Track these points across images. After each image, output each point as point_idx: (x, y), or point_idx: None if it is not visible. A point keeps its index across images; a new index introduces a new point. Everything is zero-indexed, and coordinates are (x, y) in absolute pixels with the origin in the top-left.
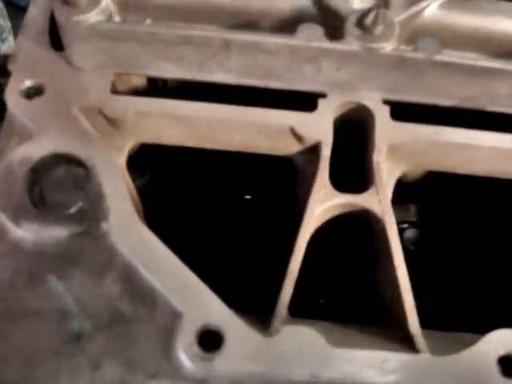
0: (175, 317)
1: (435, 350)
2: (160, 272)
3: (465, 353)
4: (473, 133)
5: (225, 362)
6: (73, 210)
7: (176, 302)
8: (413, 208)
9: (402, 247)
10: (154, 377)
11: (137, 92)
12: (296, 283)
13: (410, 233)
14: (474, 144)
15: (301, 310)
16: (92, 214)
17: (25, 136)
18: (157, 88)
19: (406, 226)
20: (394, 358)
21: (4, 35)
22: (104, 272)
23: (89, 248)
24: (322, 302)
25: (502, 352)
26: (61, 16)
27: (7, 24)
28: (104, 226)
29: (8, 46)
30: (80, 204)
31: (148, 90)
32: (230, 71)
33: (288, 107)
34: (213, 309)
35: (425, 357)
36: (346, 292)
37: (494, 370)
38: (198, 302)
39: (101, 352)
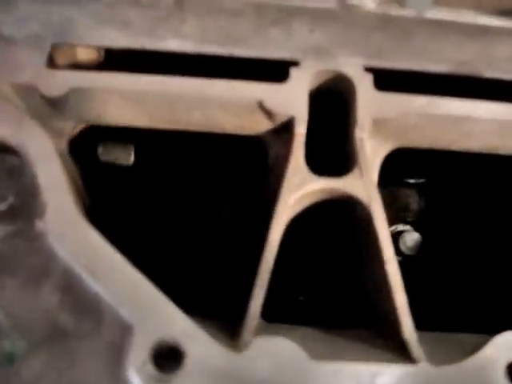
0: (125, 331)
1: (434, 358)
2: (106, 278)
3: (469, 361)
4: (470, 103)
5: (185, 383)
6: (2, 206)
7: (125, 314)
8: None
9: (399, 252)
10: None
11: (81, 67)
12: (270, 279)
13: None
14: (471, 116)
15: (276, 309)
16: (25, 210)
17: None
18: (102, 62)
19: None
20: (388, 371)
21: None
22: (40, 280)
23: (22, 251)
24: (301, 298)
25: (508, 359)
26: None
27: None
28: (39, 224)
29: None
30: (11, 199)
31: (94, 65)
32: (185, 37)
33: (255, 79)
34: (170, 320)
35: (423, 367)
36: (330, 289)
37: (503, 379)
38: (152, 312)
39: (38, 375)
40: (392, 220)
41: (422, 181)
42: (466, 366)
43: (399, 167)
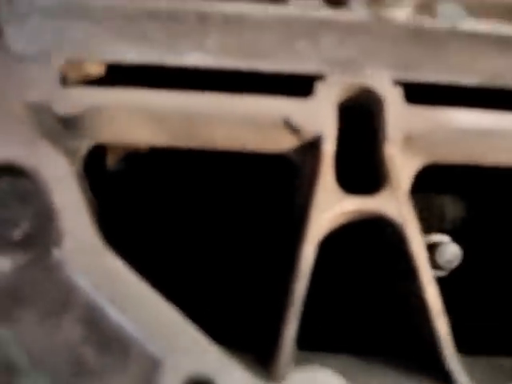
0: (153, 366)
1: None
2: (132, 310)
3: None
4: (504, 116)
5: None
6: (16, 234)
7: (154, 348)
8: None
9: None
10: None
11: (93, 83)
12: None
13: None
14: (502, 130)
15: (307, 336)
16: (41, 238)
17: None
18: (118, 77)
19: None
20: None
21: None
22: (60, 313)
23: (39, 282)
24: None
25: None
26: None
27: None
28: (57, 253)
29: None
30: (25, 226)
31: (107, 80)
32: (207, 52)
33: (280, 93)
34: (202, 353)
35: None
36: (363, 316)
37: None
38: (183, 345)
39: None
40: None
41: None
42: None
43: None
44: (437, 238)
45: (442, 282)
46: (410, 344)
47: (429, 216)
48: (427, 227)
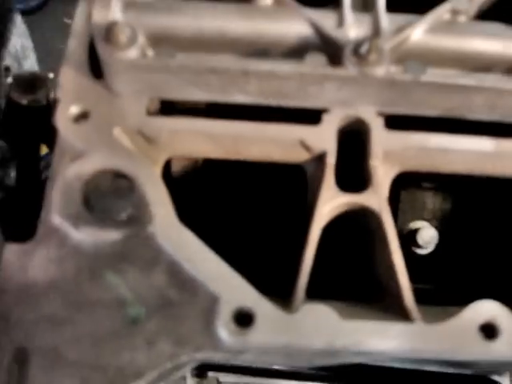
0: (214, 301)
1: (427, 320)
2: (199, 264)
3: (451, 321)
4: (455, 138)
5: (256, 335)
6: (123, 216)
7: (214, 289)
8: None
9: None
10: (199, 350)
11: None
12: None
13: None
14: (456, 148)
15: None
16: (139, 219)
17: (75, 155)
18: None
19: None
20: (394, 327)
21: (27, 53)
22: (152, 266)
23: (139, 247)
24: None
25: (482, 321)
26: (104, 53)
27: (29, 43)
28: (150, 228)
29: (30, 63)
30: (129, 211)
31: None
32: (248, 93)
33: (298, 121)
34: (244, 293)
35: (419, 325)
36: (352, 278)
37: (476, 335)
38: (232, 287)
39: (154, 332)
40: (412, 219)
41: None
42: (449, 324)
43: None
44: (418, 224)
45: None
46: (383, 296)
47: (413, 208)
48: (411, 217)
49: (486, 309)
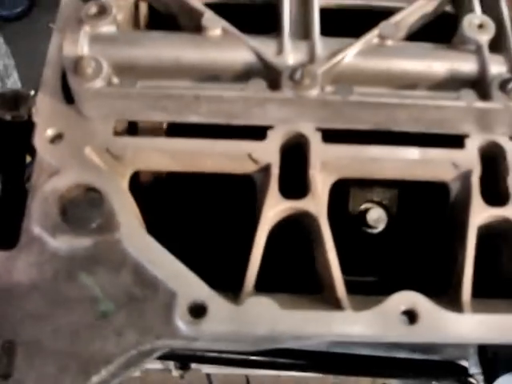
0: (172, 296)
1: (356, 308)
2: (159, 265)
3: (376, 308)
4: (384, 148)
5: (208, 325)
6: (94, 225)
7: (172, 286)
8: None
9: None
10: (159, 338)
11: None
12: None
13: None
14: (385, 157)
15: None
16: (108, 227)
17: (52, 172)
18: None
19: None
20: (326, 315)
21: (9, 71)
22: (119, 268)
23: (108, 252)
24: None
25: (403, 308)
26: (74, 84)
27: (11, 62)
28: (117, 235)
29: (13, 80)
30: (98, 220)
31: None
32: (201, 115)
33: (246, 137)
34: (198, 288)
35: (348, 313)
36: (297, 272)
37: (398, 320)
38: (187, 284)
39: (122, 324)
40: (362, 202)
41: None
42: (374, 311)
43: None
44: (367, 205)
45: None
46: (323, 288)
47: (362, 191)
48: (361, 200)
49: (407, 297)
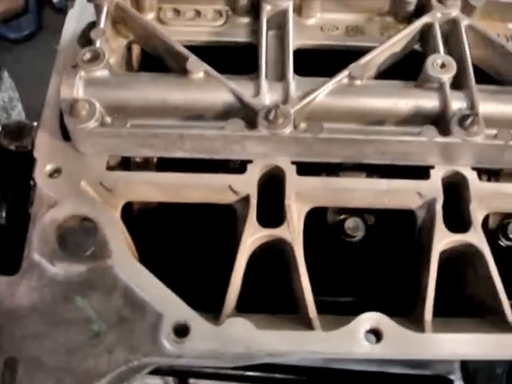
0: (158, 317)
1: (326, 328)
2: (147, 289)
3: (344, 328)
4: (355, 179)
5: (191, 344)
6: (88, 252)
7: (158, 308)
8: None
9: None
10: (147, 355)
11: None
12: (241, 290)
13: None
14: (356, 188)
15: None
16: (101, 254)
17: (50, 203)
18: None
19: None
20: (297, 334)
21: (13, 103)
22: (111, 291)
23: (100, 277)
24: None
25: (369, 327)
26: (69, 124)
27: (15, 94)
28: (109, 262)
29: (17, 112)
30: (92, 248)
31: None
32: (185, 151)
33: (227, 171)
34: (182, 310)
35: (317, 332)
36: (275, 293)
37: (364, 338)
38: (172, 306)
39: (113, 343)
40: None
41: None
42: (343, 331)
43: None
44: (345, 215)
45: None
46: (296, 308)
47: None
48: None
49: (372, 318)
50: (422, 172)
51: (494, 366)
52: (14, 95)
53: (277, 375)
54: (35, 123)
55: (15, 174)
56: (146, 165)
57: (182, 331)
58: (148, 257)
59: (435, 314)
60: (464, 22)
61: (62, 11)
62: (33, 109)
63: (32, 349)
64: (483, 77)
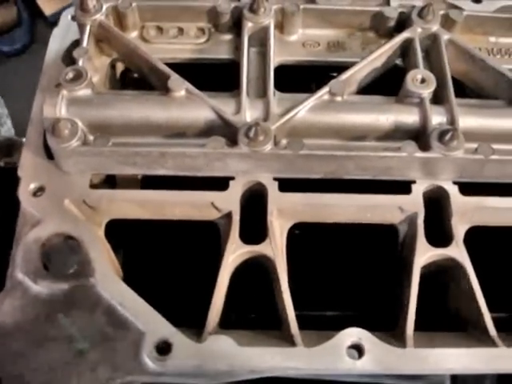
0: (140, 335)
1: (308, 344)
2: (129, 307)
3: (326, 344)
4: (336, 195)
5: (173, 361)
6: (71, 270)
7: (140, 326)
8: None
9: None
10: (130, 373)
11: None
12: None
13: None
14: (337, 203)
15: (234, 323)
16: (84, 272)
17: (34, 222)
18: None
19: None
20: (280, 350)
21: (2, 120)
22: (94, 309)
23: (83, 295)
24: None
25: (350, 343)
26: (52, 143)
27: (4, 110)
28: (92, 280)
29: (7, 128)
30: (75, 267)
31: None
32: (167, 168)
33: (209, 187)
34: (164, 328)
35: (299, 348)
36: (261, 309)
37: (346, 354)
38: (154, 324)
39: (96, 361)
40: None
41: None
42: (324, 347)
43: None
44: None
45: None
46: (280, 323)
47: None
48: None
49: (354, 333)
50: (404, 187)
51: (483, 376)
52: (2, 111)
53: None
54: (24, 139)
55: (3, 191)
56: (130, 181)
57: (163, 349)
58: (132, 273)
59: (419, 328)
60: (444, 37)
61: (55, 24)
62: (23, 125)
63: (15, 367)
64: (464, 90)
